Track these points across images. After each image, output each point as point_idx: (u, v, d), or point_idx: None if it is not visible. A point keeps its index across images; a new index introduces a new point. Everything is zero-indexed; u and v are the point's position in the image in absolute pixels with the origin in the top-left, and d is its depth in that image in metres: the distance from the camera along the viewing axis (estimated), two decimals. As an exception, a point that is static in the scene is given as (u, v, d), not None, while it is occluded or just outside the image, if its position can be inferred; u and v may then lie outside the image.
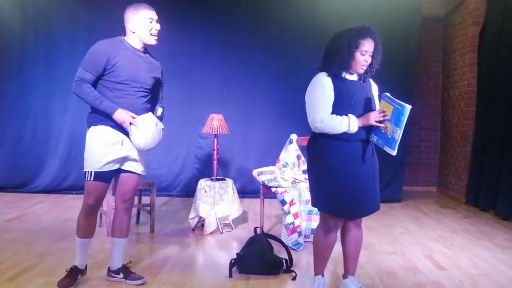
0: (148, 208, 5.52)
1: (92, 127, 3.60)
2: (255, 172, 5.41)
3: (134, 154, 3.70)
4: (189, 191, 7.68)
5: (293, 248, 4.82)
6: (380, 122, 3.21)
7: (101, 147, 3.55)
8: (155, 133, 3.67)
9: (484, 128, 7.03)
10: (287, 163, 5.46)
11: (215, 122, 5.60)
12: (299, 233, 4.92)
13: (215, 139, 5.74)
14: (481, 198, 6.99)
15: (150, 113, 3.72)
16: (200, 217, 5.54)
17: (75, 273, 3.76)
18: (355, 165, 3.28)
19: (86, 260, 3.86)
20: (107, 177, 3.64)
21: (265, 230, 5.37)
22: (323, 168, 3.33)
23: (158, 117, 3.81)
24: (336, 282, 3.91)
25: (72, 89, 3.55)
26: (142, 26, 3.58)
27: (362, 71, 3.33)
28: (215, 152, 5.75)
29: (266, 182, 5.23)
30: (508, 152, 6.43)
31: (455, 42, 8.17)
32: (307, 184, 5.13)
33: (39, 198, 7.38)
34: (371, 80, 3.51)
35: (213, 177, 5.69)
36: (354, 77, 3.38)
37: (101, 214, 5.58)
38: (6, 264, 4.23)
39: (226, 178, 5.78)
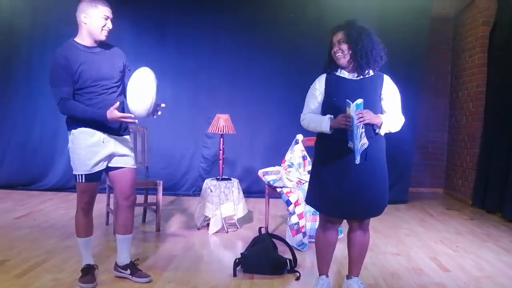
0: (154, 207, 5.55)
1: (73, 131, 3.63)
2: (260, 172, 5.42)
3: (120, 150, 3.74)
4: (195, 190, 7.74)
5: (298, 248, 4.84)
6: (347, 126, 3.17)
7: (84, 150, 3.59)
8: (153, 88, 3.64)
9: (492, 129, 7.00)
10: (292, 164, 5.47)
11: (221, 122, 5.62)
12: (304, 234, 4.93)
13: (221, 139, 5.76)
14: (488, 200, 6.97)
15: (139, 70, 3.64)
16: (206, 217, 5.57)
17: (91, 270, 3.85)
18: (339, 166, 3.29)
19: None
20: (98, 176, 3.71)
21: (269, 230, 5.41)
22: (313, 167, 3.54)
23: None
24: (341, 283, 3.91)
25: (60, 112, 3.57)
26: (96, 20, 3.53)
27: (341, 62, 3.34)
28: (221, 152, 5.77)
29: (271, 182, 5.25)
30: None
31: (464, 42, 8.13)
32: (312, 185, 5.18)
33: (48, 196, 7.46)
34: (385, 79, 3.42)
35: (218, 177, 5.71)
36: (351, 76, 3.38)
37: (107, 213, 5.63)
38: (15, 261, 4.29)
39: (232, 178, 5.79)
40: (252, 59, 7.80)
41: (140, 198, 5.86)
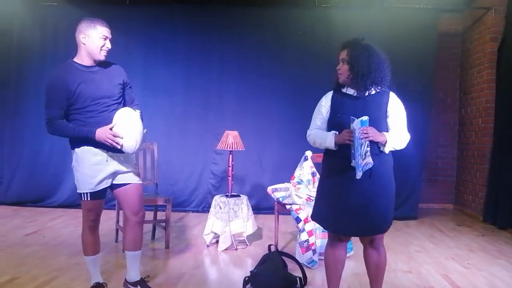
0: (164, 223, 5.54)
1: (76, 149, 3.64)
2: (269, 189, 5.41)
3: (124, 167, 3.73)
4: (205, 207, 7.72)
5: (308, 266, 4.81)
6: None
7: (88, 169, 3.60)
8: (139, 127, 3.62)
9: (502, 145, 6.97)
10: (301, 180, 5.46)
11: (230, 139, 5.62)
12: (314, 251, 4.90)
13: (230, 155, 5.76)
14: (499, 216, 6.92)
15: (123, 109, 3.67)
16: (215, 234, 5.55)
17: None
18: (344, 183, 3.28)
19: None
20: (103, 194, 3.71)
21: (279, 247, 5.38)
22: (319, 183, 3.57)
23: None
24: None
25: (48, 132, 3.61)
26: (95, 40, 3.56)
27: (341, 81, 3.40)
28: (230, 168, 5.77)
29: (280, 199, 5.23)
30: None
31: (472, 58, 8.13)
32: (321, 202, 5.15)
33: (57, 213, 7.46)
34: (390, 97, 3.39)
35: (228, 194, 5.70)
36: (356, 93, 3.37)
37: (117, 230, 5.62)
38: (24, 278, 4.28)
39: (241, 195, 5.78)
40: (261, 76, 7.83)
41: (149, 215, 5.85)
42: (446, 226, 7.08)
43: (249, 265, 4.85)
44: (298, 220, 4.97)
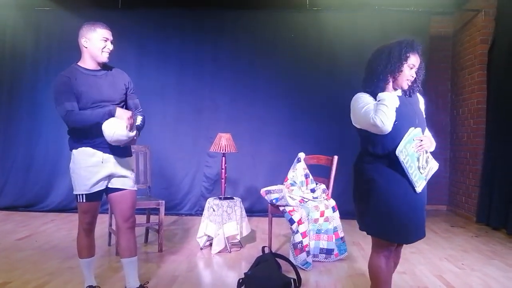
0: (157, 227, 5.52)
1: (73, 151, 3.64)
2: (263, 191, 5.40)
3: (120, 171, 3.72)
4: (198, 210, 7.71)
5: (302, 267, 4.80)
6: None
7: (84, 170, 3.60)
8: (123, 135, 3.56)
9: (494, 146, 6.99)
10: (295, 182, 5.45)
11: (223, 141, 5.61)
12: (308, 253, 4.89)
13: (223, 158, 5.75)
14: (492, 216, 6.93)
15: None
16: (208, 236, 5.54)
17: None
18: (407, 190, 3.08)
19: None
20: (99, 196, 3.71)
21: (273, 249, 5.38)
22: (373, 188, 3.13)
23: (138, 127, 3.77)
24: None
25: (69, 126, 3.59)
26: (96, 43, 3.58)
27: (406, 87, 3.18)
28: (223, 171, 5.75)
29: (274, 201, 5.22)
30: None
31: (463, 60, 8.16)
32: (315, 203, 5.17)
33: (50, 217, 7.42)
34: (418, 95, 3.35)
35: (221, 196, 5.69)
36: (398, 93, 3.21)
37: (110, 233, 5.60)
38: (16, 283, 4.26)
39: (234, 197, 5.77)
40: (253, 79, 7.84)
41: (142, 218, 5.86)
42: (440, 227, 7.08)
43: (243, 268, 4.83)
44: (291, 221, 4.96)
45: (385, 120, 2.97)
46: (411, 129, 3.06)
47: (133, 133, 3.59)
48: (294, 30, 7.85)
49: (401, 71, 3.12)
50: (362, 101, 3.18)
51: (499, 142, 6.86)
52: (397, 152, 2.97)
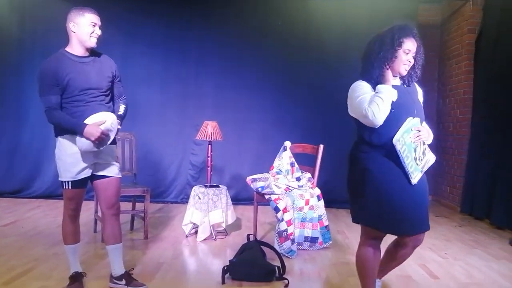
0: (142, 214, 5.52)
1: (59, 137, 3.64)
2: (248, 179, 5.41)
3: (105, 158, 3.73)
4: (183, 198, 7.71)
5: (286, 255, 4.82)
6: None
7: (70, 157, 3.60)
8: (91, 149, 3.58)
9: (480, 136, 7.03)
10: (281, 170, 5.47)
11: (209, 129, 5.61)
12: (292, 241, 4.92)
13: (209, 146, 5.74)
14: (476, 206, 6.99)
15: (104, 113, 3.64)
16: (194, 224, 5.55)
17: (79, 277, 3.84)
18: (400, 180, 3.03)
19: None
20: (84, 183, 3.71)
21: (258, 237, 5.40)
22: (369, 184, 3.09)
23: (120, 116, 3.78)
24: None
25: (48, 121, 3.59)
26: (84, 28, 3.56)
27: (404, 72, 3.12)
28: (209, 159, 5.75)
29: (259, 189, 5.23)
30: (503, 160, 6.44)
31: (451, 50, 8.18)
32: (300, 192, 5.18)
33: (36, 203, 7.41)
34: (416, 85, 3.31)
35: (207, 184, 5.69)
36: (396, 81, 3.18)
37: (95, 220, 5.59)
38: (2, 268, 4.25)
39: (220, 185, 5.78)
40: (240, 67, 7.81)
41: (127, 206, 5.86)
42: (424, 217, 7.12)
43: (228, 255, 4.84)
44: (277, 209, 4.97)
45: (377, 113, 2.94)
46: (410, 118, 3.02)
47: (103, 147, 3.58)
48: (282, 17, 7.83)
49: (396, 57, 3.07)
50: (359, 90, 3.14)
51: (485, 133, 6.90)
52: (394, 140, 2.94)
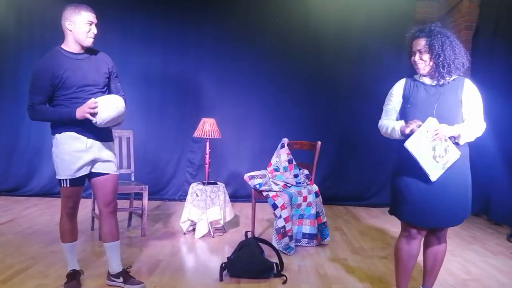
0: (140, 211, 5.51)
1: (56, 135, 3.63)
2: (246, 176, 5.40)
3: (104, 155, 3.73)
4: (181, 196, 7.70)
5: (284, 252, 4.82)
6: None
7: (68, 155, 3.59)
8: (114, 109, 3.53)
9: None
10: (278, 167, 5.46)
11: (207, 126, 5.60)
12: (290, 237, 4.92)
13: (207, 143, 5.74)
14: (474, 202, 6.92)
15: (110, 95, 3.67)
16: (192, 221, 5.55)
17: (76, 275, 3.84)
18: (420, 175, 3.14)
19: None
20: (82, 181, 3.70)
21: (256, 234, 5.40)
22: (395, 172, 3.38)
23: None
24: None
25: (29, 117, 3.63)
26: (80, 26, 3.54)
27: (422, 71, 3.27)
28: (207, 156, 5.74)
29: (257, 186, 5.23)
30: (501, 156, 6.44)
31: (448, 47, 8.17)
32: (298, 188, 5.19)
33: (33, 201, 7.38)
34: (465, 84, 3.32)
35: (205, 181, 5.69)
36: (431, 81, 3.29)
37: (93, 218, 5.59)
38: (-2, 267, 4.25)
39: (218, 182, 5.77)
40: (238, 63, 7.78)
41: (125, 203, 5.85)
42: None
43: (226, 252, 4.85)
44: (274, 206, 4.97)
45: (381, 130, 3.43)
46: (429, 119, 3.08)
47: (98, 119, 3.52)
48: (280, 14, 7.80)
49: (412, 58, 3.32)
50: (387, 100, 3.48)
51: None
52: (405, 144, 3.08)
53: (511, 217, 5.83)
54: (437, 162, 3.10)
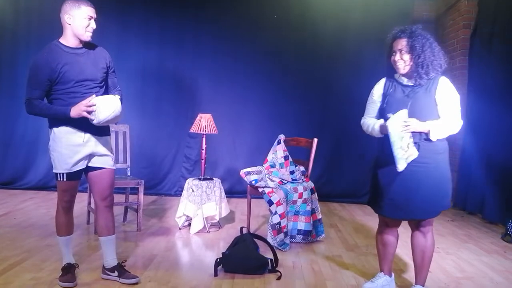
0: (136, 206, 5.51)
1: (54, 129, 3.63)
2: (242, 172, 5.40)
3: (100, 150, 3.72)
4: (177, 191, 7.70)
5: (279, 248, 4.83)
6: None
7: (65, 149, 3.59)
8: (111, 112, 3.52)
9: (473, 131, 7.02)
10: (274, 164, 5.47)
11: (204, 122, 5.60)
12: (285, 234, 4.93)
13: (204, 138, 5.74)
14: (469, 201, 7.01)
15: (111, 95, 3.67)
16: (187, 216, 5.55)
17: (71, 269, 3.83)
18: (391, 169, 3.31)
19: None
20: (78, 175, 3.71)
21: (251, 230, 5.41)
22: (372, 169, 3.62)
23: None
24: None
25: (26, 111, 3.62)
26: (79, 21, 3.53)
27: (401, 71, 3.40)
28: (203, 151, 5.75)
29: (253, 182, 5.23)
30: (496, 156, 6.45)
31: (446, 45, 8.16)
32: (294, 185, 5.19)
33: (29, 195, 7.38)
34: (440, 82, 3.38)
35: (201, 177, 5.69)
36: (409, 81, 3.42)
37: (89, 212, 5.59)
38: (-6, 260, 4.25)
39: (214, 178, 5.78)
40: (235, 59, 7.79)
41: (121, 198, 5.85)
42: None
43: (221, 248, 4.84)
44: (270, 203, 4.98)
45: (363, 127, 3.64)
46: (400, 111, 3.22)
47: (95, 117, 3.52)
48: (277, 11, 7.81)
49: (392, 57, 3.42)
50: (370, 97, 3.66)
51: (478, 128, 6.91)
52: (387, 123, 3.22)
53: (505, 216, 5.84)
54: (405, 152, 3.21)
